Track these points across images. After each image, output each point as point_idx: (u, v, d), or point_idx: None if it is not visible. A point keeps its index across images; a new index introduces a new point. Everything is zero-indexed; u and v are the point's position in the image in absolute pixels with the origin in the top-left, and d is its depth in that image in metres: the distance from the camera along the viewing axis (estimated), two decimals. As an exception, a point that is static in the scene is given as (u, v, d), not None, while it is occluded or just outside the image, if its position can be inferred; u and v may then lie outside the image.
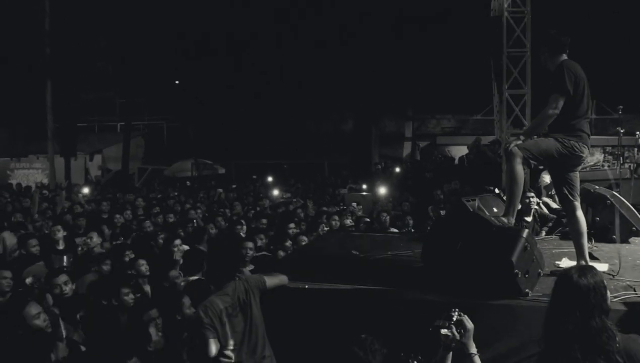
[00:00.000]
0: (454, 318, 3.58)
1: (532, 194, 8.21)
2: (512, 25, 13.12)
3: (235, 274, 4.74)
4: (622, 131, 10.15)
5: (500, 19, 13.35)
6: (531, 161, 5.09)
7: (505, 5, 13.16)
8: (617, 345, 3.00)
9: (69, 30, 23.28)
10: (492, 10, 13.95)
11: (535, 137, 5.29)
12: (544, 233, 8.12)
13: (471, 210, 5.95)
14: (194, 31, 27.24)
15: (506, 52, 13.20)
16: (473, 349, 3.55)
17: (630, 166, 12.45)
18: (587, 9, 20.31)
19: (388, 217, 9.86)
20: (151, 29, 25.30)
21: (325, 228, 9.33)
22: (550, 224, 8.38)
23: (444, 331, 3.56)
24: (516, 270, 4.50)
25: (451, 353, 3.60)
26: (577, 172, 5.38)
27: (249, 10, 26.93)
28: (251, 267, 6.59)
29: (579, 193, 5.40)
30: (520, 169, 5.04)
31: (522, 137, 5.19)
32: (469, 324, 3.53)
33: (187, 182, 22.81)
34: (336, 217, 10.18)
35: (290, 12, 26.89)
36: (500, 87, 13.92)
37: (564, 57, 5.24)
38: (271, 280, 4.80)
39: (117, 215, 10.67)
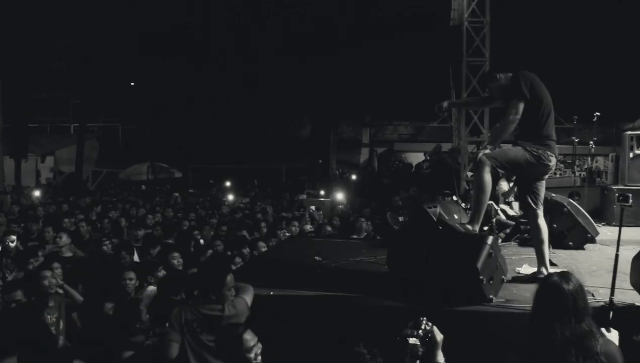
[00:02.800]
0: (422, 327, 3.57)
1: (491, 202, 8.31)
2: (472, 34, 13.33)
3: (212, 296, 4.52)
4: (576, 140, 10.41)
5: (460, 28, 13.56)
6: (499, 170, 5.16)
7: (465, 15, 13.37)
8: (600, 346, 3.06)
9: (22, 28, 22.64)
10: (452, 20, 14.15)
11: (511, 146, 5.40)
12: (500, 240, 8.23)
13: (433, 217, 5.99)
14: (152, 33, 26.84)
15: (466, 61, 13.39)
16: (440, 358, 3.55)
17: (581, 174, 12.79)
18: (543, 20, 20.80)
19: (365, 222, 9.87)
20: (108, 29, 24.82)
21: (286, 234, 9.28)
22: (507, 231, 8.50)
23: (412, 340, 3.54)
24: (481, 277, 4.55)
25: (418, 361, 3.59)
26: (544, 181, 5.47)
27: (209, 15, 26.75)
28: None
29: (542, 201, 5.50)
30: (488, 178, 5.10)
31: (489, 146, 5.25)
32: (439, 335, 3.52)
33: (142, 186, 22.38)
34: (296, 223, 10.15)
35: (250, 18, 26.80)
36: (459, 95, 14.11)
37: (508, 74, 5.40)
38: (250, 299, 4.67)
39: (66, 220, 10.35)
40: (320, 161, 26.05)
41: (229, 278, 4.58)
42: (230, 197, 16.85)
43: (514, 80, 5.23)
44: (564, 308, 3.06)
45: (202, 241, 8.93)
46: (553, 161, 5.32)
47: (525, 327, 3.22)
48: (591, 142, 10.03)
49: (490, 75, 5.62)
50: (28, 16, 22.86)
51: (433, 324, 3.60)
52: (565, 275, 3.21)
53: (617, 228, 8.80)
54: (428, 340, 3.54)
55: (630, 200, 4.80)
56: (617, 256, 4.61)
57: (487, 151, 5.16)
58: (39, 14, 23.36)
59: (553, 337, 3.02)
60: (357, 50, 24.29)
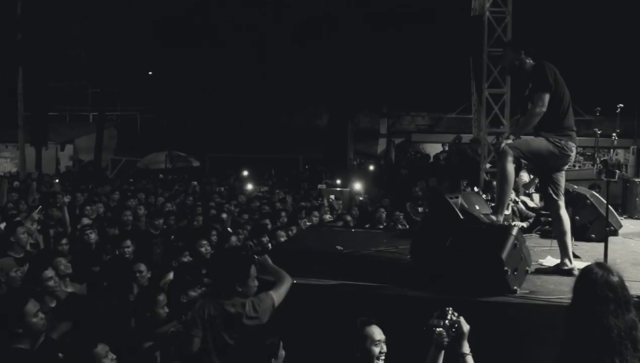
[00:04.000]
0: (449, 318, 3.58)
1: (512, 192, 8.27)
2: (493, 24, 13.20)
3: (238, 288, 4.47)
4: (599, 132, 10.30)
5: (481, 18, 13.43)
6: (522, 160, 5.14)
7: (487, 5, 13.24)
8: None
9: (42, 16, 22.78)
10: (473, 10, 14.04)
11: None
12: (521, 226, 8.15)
13: (455, 207, 5.98)
14: (168, 21, 26.92)
15: (487, 51, 13.27)
16: (466, 349, 3.56)
17: (597, 166, 12.65)
18: (565, 10, 20.58)
19: (385, 213, 9.87)
20: (125, 17, 24.93)
21: (307, 223, 9.29)
22: (530, 220, 8.46)
23: (438, 330, 3.56)
24: (506, 268, 4.54)
25: (443, 351, 3.60)
26: (563, 172, 5.46)
27: (226, 3, 26.78)
28: None
29: (563, 193, 5.49)
30: (511, 168, 5.10)
31: (511, 136, 5.24)
32: (465, 326, 3.53)
33: (160, 175, 22.50)
34: (316, 213, 10.16)
35: (266, 6, 26.79)
36: (479, 86, 14.01)
37: (531, 61, 5.34)
38: (279, 296, 4.58)
39: (88, 207, 10.44)
40: (334, 151, 25.88)
41: (253, 269, 4.53)
42: (250, 186, 16.88)
43: (539, 71, 5.19)
44: (616, 301, 3.01)
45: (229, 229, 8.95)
46: (574, 152, 5.32)
47: (566, 321, 3.14)
48: (614, 134, 9.92)
49: (517, 47, 5.44)
50: (47, 4, 22.98)
51: (459, 315, 3.62)
52: (606, 267, 3.15)
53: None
54: (454, 331, 3.55)
55: (617, 177, 4.86)
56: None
57: (510, 141, 5.15)
58: (57, 2, 23.49)
59: (608, 332, 2.95)
60: (375, 39, 24.21)
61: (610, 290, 3.04)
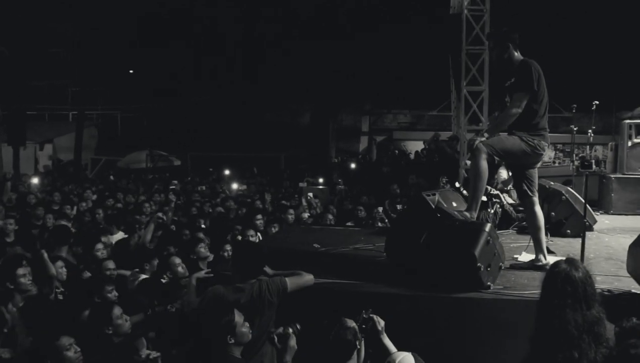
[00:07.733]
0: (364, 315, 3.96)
1: (497, 192, 8.28)
2: (472, 22, 13.27)
3: (258, 275, 4.65)
4: (575, 129, 10.36)
5: (459, 16, 13.50)
6: (495, 157, 5.18)
7: (465, 3, 13.31)
8: (608, 332, 3.08)
9: (20, 14, 22.52)
10: (452, 8, 14.10)
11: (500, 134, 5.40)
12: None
13: (432, 204, 6.00)
14: (150, 19, 26.74)
15: (465, 49, 13.35)
16: (388, 344, 3.96)
17: (574, 162, 12.73)
18: (543, 7, 20.73)
19: (363, 211, 9.86)
20: (106, 15, 24.73)
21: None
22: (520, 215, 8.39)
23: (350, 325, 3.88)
24: (479, 264, 4.57)
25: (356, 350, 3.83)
26: (536, 169, 5.52)
27: (207, 2, 26.69)
28: None
29: (537, 189, 5.54)
30: (484, 165, 5.13)
31: (486, 134, 5.27)
32: (380, 322, 3.93)
33: (147, 175, 22.32)
34: (291, 211, 10.09)
35: (248, 4, 26.72)
36: (458, 83, 14.07)
37: (519, 53, 5.34)
38: (293, 283, 4.70)
39: (67, 206, 10.36)
40: (316, 150, 25.90)
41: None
42: (235, 185, 16.83)
43: (525, 70, 5.19)
44: (575, 295, 3.06)
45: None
46: (546, 151, 5.39)
47: (534, 315, 3.19)
48: (590, 131, 9.97)
49: (502, 41, 5.37)
50: (26, 1, 22.72)
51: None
52: (573, 262, 3.20)
53: (616, 216, 8.93)
54: (366, 327, 3.91)
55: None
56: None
57: (484, 139, 5.18)
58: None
59: (566, 325, 3.01)
60: (357, 38, 24.23)
61: (570, 285, 3.08)
